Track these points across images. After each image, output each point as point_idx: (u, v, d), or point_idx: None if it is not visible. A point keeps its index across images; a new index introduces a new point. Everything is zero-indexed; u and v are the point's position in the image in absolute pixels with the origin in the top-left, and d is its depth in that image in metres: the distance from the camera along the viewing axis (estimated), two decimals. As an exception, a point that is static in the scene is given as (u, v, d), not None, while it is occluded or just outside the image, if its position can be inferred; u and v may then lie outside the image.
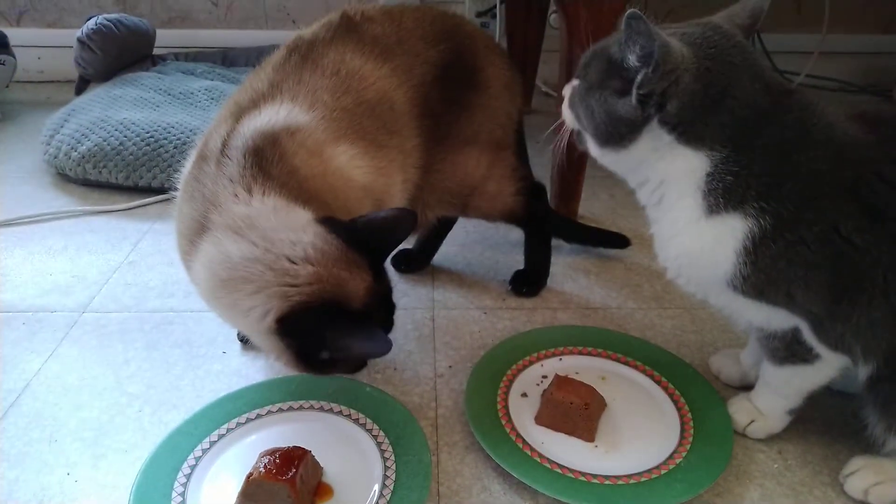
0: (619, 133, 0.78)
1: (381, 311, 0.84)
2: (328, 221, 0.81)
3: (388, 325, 0.87)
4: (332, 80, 0.93)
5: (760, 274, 0.76)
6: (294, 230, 0.79)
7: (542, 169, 1.52)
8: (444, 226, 1.27)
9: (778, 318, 0.81)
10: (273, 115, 0.87)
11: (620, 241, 1.35)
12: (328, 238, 0.79)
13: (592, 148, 0.83)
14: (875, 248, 0.72)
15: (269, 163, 0.83)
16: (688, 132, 0.75)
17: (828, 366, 0.82)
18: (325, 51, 0.96)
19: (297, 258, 0.78)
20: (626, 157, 0.80)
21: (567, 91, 0.86)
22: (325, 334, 0.78)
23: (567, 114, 0.86)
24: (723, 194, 0.75)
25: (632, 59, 0.73)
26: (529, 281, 1.24)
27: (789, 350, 0.83)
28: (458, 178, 1.10)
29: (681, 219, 0.79)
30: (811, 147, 0.74)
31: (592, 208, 1.53)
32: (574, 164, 1.42)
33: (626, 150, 0.79)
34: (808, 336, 0.80)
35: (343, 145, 0.90)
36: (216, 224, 0.80)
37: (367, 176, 0.92)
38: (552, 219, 1.32)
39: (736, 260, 0.76)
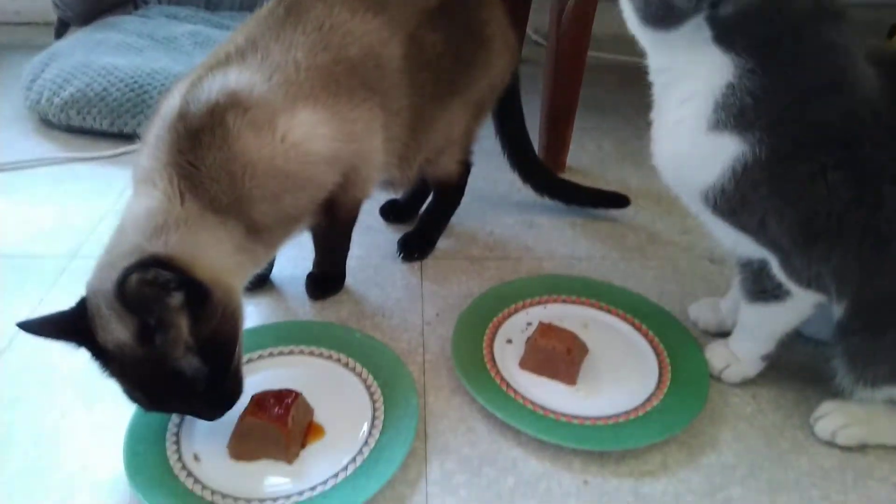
0: (664, 16, 0.74)
1: (139, 375, 0.76)
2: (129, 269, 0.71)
3: (159, 394, 0.77)
4: (312, 37, 0.90)
5: (738, 195, 0.76)
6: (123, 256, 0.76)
7: (531, 119, 1.52)
8: None
9: (745, 246, 0.82)
10: (233, 82, 0.84)
11: (620, 201, 1.32)
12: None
13: (631, 22, 0.79)
14: (856, 207, 0.73)
15: (205, 150, 0.80)
16: (728, 34, 0.73)
17: (799, 303, 0.83)
18: (313, 3, 0.93)
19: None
20: (661, 40, 0.77)
21: None
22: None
23: None
24: (735, 113, 0.74)
25: None
26: (422, 245, 1.22)
27: (759, 285, 0.85)
28: (443, 136, 1.10)
29: (684, 120, 0.78)
30: (833, 92, 0.72)
31: (580, 160, 1.54)
32: (563, 114, 1.42)
33: (664, 32, 0.76)
34: (777, 271, 0.81)
35: (305, 111, 0.87)
36: (130, 203, 0.82)
37: (333, 144, 0.90)
38: (552, 180, 1.33)
39: (721, 175, 0.76)
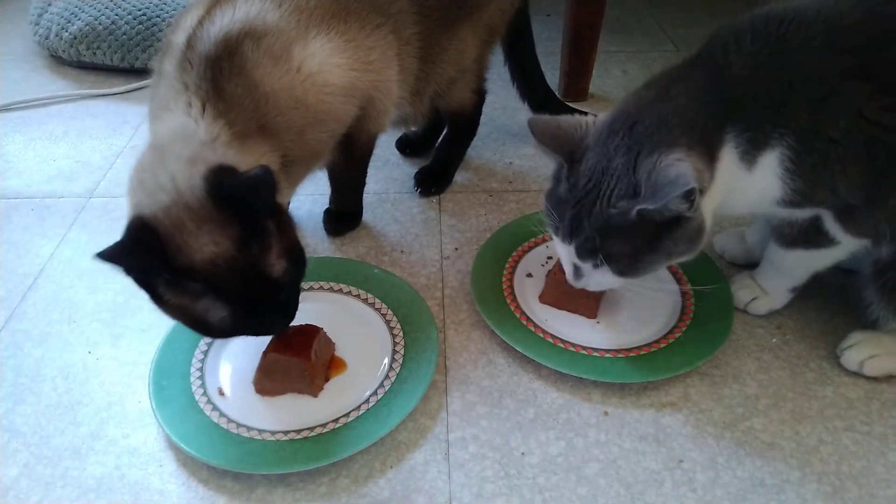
0: (697, 234, 0.76)
1: (236, 286, 0.71)
2: (215, 174, 0.72)
3: (249, 305, 0.73)
4: None
5: (805, 182, 0.76)
6: (178, 168, 0.73)
7: (552, 44, 1.46)
8: None
9: (802, 212, 0.81)
10: (243, 13, 0.81)
11: None
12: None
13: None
14: None
15: (225, 78, 0.78)
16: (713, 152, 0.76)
17: (842, 250, 0.82)
18: None
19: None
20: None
21: (607, 283, 0.82)
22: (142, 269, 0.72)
23: (617, 283, 0.82)
24: (751, 149, 0.75)
25: (671, 207, 0.71)
26: (439, 179, 1.20)
27: (803, 236, 0.83)
28: (454, 65, 1.05)
29: (733, 179, 0.78)
30: (792, 54, 0.73)
31: (604, 86, 1.48)
32: (587, 35, 1.36)
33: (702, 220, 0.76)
34: (831, 225, 0.79)
35: (319, 40, 0.85)
36: (155, 128, 0.80)
37: (349, 74, 0.87)
38: (564, 110, 1.28)
39: (782, 182, 0.76)
